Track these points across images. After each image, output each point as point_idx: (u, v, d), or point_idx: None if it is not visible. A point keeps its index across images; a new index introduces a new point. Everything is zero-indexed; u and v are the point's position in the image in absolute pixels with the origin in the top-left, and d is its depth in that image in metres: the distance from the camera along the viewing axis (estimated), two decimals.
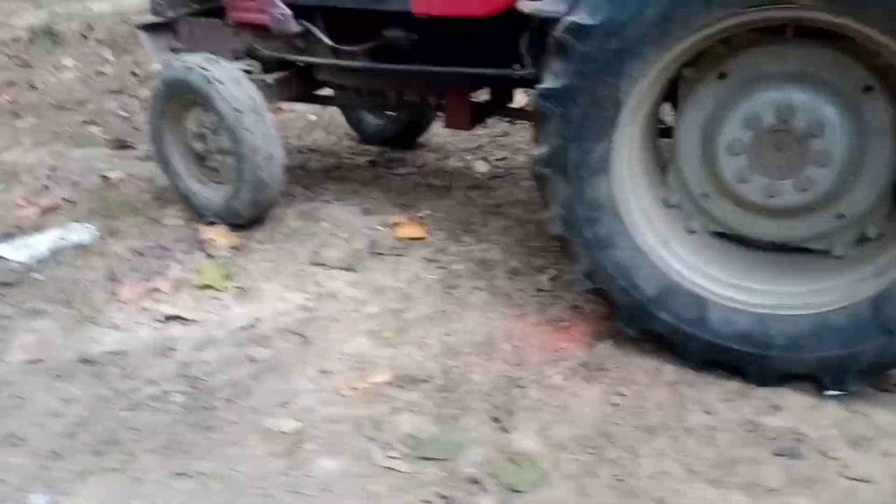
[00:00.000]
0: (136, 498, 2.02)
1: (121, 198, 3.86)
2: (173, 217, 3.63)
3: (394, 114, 4.26)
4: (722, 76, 2.26)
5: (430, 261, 3.19)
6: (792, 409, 2.26)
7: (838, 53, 2.11)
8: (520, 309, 2.81)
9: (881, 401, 2.27)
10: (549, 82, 2.25)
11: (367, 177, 4.10)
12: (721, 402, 2.31)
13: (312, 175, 4.09)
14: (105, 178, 4.11)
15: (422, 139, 4.50)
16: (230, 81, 3.12)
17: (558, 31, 2.20)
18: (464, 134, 4.45)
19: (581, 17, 2.12)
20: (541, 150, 2.34)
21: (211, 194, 3.45)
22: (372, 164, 4.30)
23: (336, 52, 3.30)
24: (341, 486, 2.04)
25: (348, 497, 2.01)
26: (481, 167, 4.16)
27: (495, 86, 3.39)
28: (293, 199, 3.71)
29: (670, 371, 2.43)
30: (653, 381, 2.40)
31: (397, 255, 3.25)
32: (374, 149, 4.49)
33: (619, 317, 2.45)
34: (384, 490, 2.02)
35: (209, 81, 3.11)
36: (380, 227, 3.47)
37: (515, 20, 2.85)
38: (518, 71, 2.95)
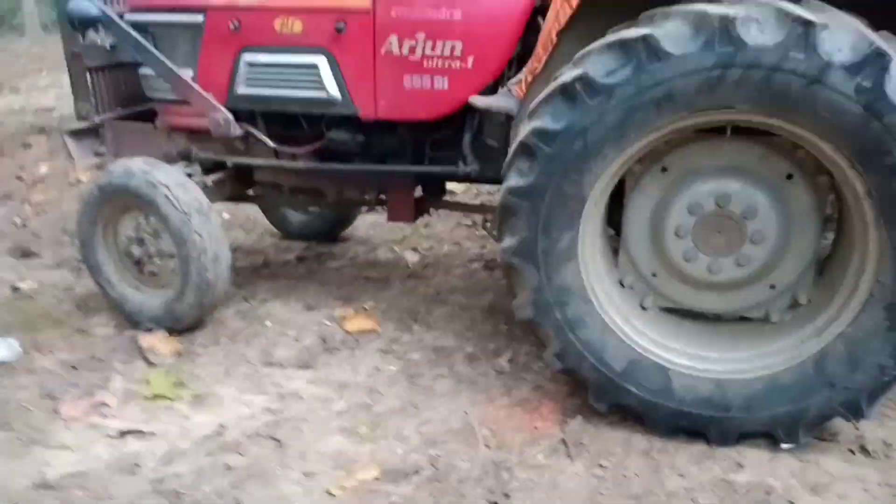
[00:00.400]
0: None
1: (39, 309, 3.65)
2: (102, 326, 3.48)
3: (319, 209, 4.31)
4: (664, 170, 2.54)
5: (386, 352, 3.23)
6: (754, 464, 2.47)
7: (763, 148, 2.45)
8: (487, 393, 2.90)
9: (826, 449, 2.53)
10: (516, 180, 2.43)
11: (300, 272, 4.10)
12: (692, 464, 2.48)
13: (243, 274, 4.03)
14: (16, 288, 3.87)
15: (344, 232, 4.57)
16: (175, 185, 3.09)
17: (523, 135, 2.39)
18: (386, 226, 4.57)
19: (545, 123, 2.33)
20: (510, 242, 2.50)
21: (147, 300, 3.34)
22: (301, 259, 4.31)
23: (277, 154, 3.36)
24: None
25: None
26: (412, 257, 4.28)
27: (435, 182, 3.55)
28: (229, 300, 3.65)
29: (640, 439, 2.59)
30: (627, 450, 2.55)
31: (350, 348, 3.27)
32: (298, 244, 4.50)
33: (591, 393, 2.60)
34: None
35: (154, 186, 3.06)
36: (327, 322, 3.47)
37: (459, 119, 3.06)
38: (461, 168, 3.14)
